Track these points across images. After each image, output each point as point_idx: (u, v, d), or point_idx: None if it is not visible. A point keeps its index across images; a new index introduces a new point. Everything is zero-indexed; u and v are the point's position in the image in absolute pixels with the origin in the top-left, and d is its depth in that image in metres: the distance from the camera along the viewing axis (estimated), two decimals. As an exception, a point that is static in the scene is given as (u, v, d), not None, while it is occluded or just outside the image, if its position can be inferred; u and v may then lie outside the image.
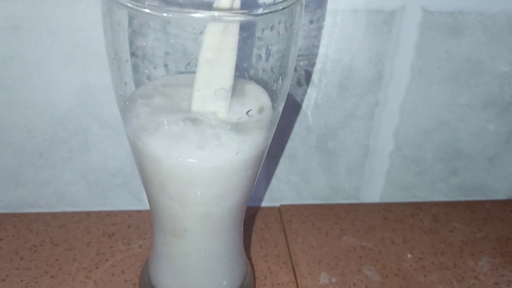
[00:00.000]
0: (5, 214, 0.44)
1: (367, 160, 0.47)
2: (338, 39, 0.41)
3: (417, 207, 0.50)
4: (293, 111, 0.44)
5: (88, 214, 0.45)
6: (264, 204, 0.49)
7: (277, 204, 0.49)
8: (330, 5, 0.39)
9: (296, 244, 0.44)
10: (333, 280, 0.42)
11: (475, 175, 0.50)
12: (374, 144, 0.46)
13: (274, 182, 0.48)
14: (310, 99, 0.43)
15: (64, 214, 0.45)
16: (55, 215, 0.45)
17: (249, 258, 0.43)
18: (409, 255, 0.44)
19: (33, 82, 0.39)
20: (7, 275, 0.39)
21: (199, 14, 0.20)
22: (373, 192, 0.49)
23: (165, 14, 0.20)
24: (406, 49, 0.42)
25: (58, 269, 0.40)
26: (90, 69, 0.39)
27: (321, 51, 0.41)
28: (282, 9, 0.22)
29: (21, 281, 0.39)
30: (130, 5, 0.21)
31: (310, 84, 0.43)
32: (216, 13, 0.21)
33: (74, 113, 0.41)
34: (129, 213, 0.46)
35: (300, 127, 0.45)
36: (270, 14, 0.21)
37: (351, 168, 0.48)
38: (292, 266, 0.42)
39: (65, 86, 0.40)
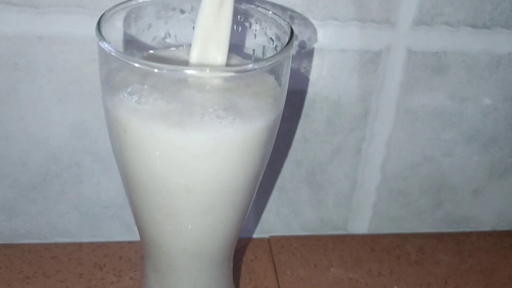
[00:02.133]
0: (-1, 245, 0.45)
1: (355, 193, 0.48)
2: (326, 77, 0.42)
3: (404, 239, 0.51)
4: (283, 145, 0.45)
5: (80, 245, 0.46)
6: (254, 235, 0.50)
7: (267, 236, 0.50)
8: (318, 45, 0.41)
9: (285, 276, 0.45)
10: (321, 312, 0.42)
11: (460, 207, 0.51)
12: (362, 177, 0.48)
13: (264, 214, 0.49)
14: (299, 134, 0.45)
15: (56, 245, 0.46)
16: (47, 246, 0.45)
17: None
18: (395, 287, 0.45)
19: (29, 117, 0.40)
20: (-2, 307, 0.40)
21: (191, 71, 0.22)
22: (361, 223, 0.50)
23: (156, 70, 0.22)
24: (392, 87, 0.43)
25: (50, 301, 0.41)
26: (85, 105, 0.40)
27: (310, 88, 0.42)
28: (270, 64, 0.23)
29: (13, 313, 0.39)
30: (122, 58, 0.23)
31: (299, 120, 0.44)
32: (208, 70, 0.22)
33: (68, 147, 0.42)
34: (121, 244, 0.46)
35: (290, 161, 0.46)
36: (258, 70, 0.23)
37: (339, 201, 0.49)
38: (281, 298, 0.43)
39: (59, 120, 0.41)
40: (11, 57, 0.38)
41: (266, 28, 0.29)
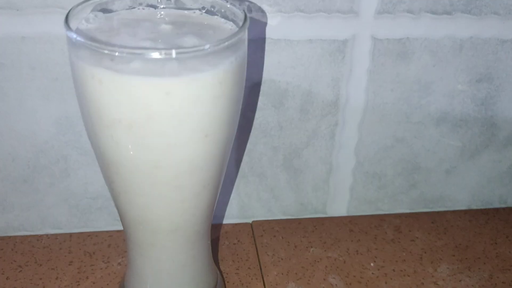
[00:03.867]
0: (-9, 238, 0.47)
1: (331, 176, 0.51)
2: (296, 66, 0.44)
3: (381, 219, 0.53)
4: (259, 133, 0.47)
5: (70, 235, 0.48)
6: (237, 221, 0.52)
7: (249, 221, 0.52)
8: (286, 36, 0.43)
9: (266, 257, 0.47)
10: (300, 289, 0.44)
11: (434, 188, 0.53)
12: (337, 161, 0.50)
13: (245, 200, 0.51)
14: (274, 122, 0.47)
15: (47, 236, 0.48)
16: (39, 237, 0.48)
17: (222, 272, 0.45)
18: (372, 264, 0.48)
19: (15, 114, 0.43)
20: (-7, 295, 0.42)
21: (155, 53, 0.24)
22: (339, 206, 0.53)
23: (117, 54, 0.24)
24: (360, 73, 0.46)
25: (42, 287, 0.43)
26: (69, 101, 0.43)
27: (282, 78, 0.45)
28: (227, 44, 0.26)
29: (7, 299, 0.42)
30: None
31: (273, 108, 0.46)
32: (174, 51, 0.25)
33: (54, 142, 0.44)
34: (109, 233, 0.49)
35: (267, 148, 0.48)
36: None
37: (317, 185, 0.51)
38: (262, 277, 0.45)
39: (45, 116, 0.43)
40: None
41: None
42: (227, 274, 0.45)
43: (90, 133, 0.30)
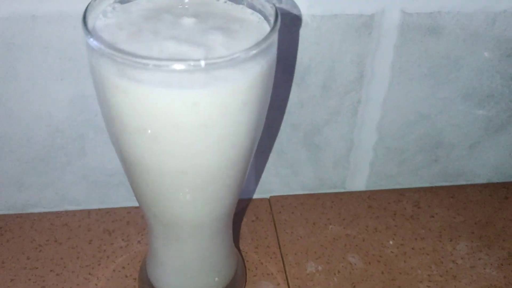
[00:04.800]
0: (10, 215, 0.47)
1: (352, 152, 0.50)
2: (319, 42, 0.42)
3: (401, 194, 0.52)
4: (279, 111, 0.46)
5: (89, 212, 0.48)
6: (255, 196, 0.51)
7: (267, 196, 0.51)
8: (309, 11, 0.40)
9: (285, 235, 0.47)
10: (319, 268, 0.45)
11: (456, 162, 0.52)
12: (358, 138, 0.49)
13: (264, 175, 0.50)
14: (295, 99, 0.45)
15: (66, 213, 0.48)
16: (58, 214, 0.47)
17: (241, 250, 0.45)
18: (391, 242, 0.47)
19: (29, 94, 0.41)
20: (15, 275, 0.42)
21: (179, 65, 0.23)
22: (358, 181, 0.52)
23: (143, 62, 0.23)
24: (386, 49, 0.44)
25: (63, 267, 0.43)
26: (83, 81, 0.41)
27: (304, 54, 0.43)
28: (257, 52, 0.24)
29: (28, 279, 0.42)
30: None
31: (294, 85, 0.44)
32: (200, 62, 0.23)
33: (70, 121, 0.43)
34: (128, 210, 0.48)
35: (286, 125, 0.47)
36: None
37: (337, 161, 0.50)
38: (281, 256, 0.46)
39: (60, 97, 0.42)
40: (7, 37, 0.38)
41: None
42: (246, 253, 0.46)
43: (113, 138, 0.28)
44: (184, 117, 0.25)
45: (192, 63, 0.23)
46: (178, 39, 0.27)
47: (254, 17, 0.29)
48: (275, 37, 0.26)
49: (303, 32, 0.41)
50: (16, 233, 0.46)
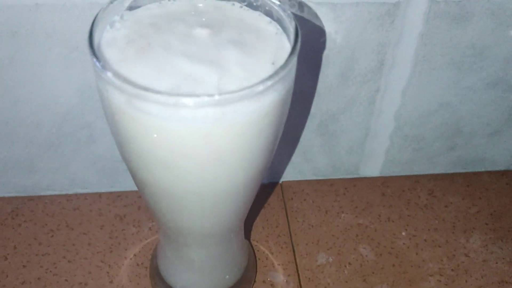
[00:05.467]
0: (21, 198, 0.47)
1: (367, 140, 0.48)
2: (339, 31, 0.40)
3: (415, 181, 0.51)
4: (294, 100, 0.44)
5: (100, 195, 0.48)
6: (266, 181, 0.51)
7: (279, 181, 0.51)
8: (330, 0, 0.38)
9: (296, 224, 0.47)
10: (330, 259, 0.45)
11: (474, 150, 0.51)
12: (375, 126, 0.47)
13: (276, 162, 0.49)
14: (311, 88, 0.43)
15: (77, 196, 0.47)
16: (69, 197, 0.47)
17: (252, 239, 0.45)
18: (403, 233, 0.47)
19: (35, 83, 0.40)
20: (28, 261, 0.43)
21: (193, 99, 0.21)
22: (373, 168, 0.51)
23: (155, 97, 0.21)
24: (410, 38, 0.41)
25: (75, 253, 0.43)
26: (90, 70, 0.39)
27: (322, 44, 0.41)
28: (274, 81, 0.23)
29: (40, 266, 0.42)
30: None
31: (311, 75, 0.43)
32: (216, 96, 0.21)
33: (77, 110, 0.42)
34: (139, 194, 0.48)
35: (302, 112, 0.46)
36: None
37: (351, 148, 0.49)
38: (292, 246, 0.45)
39: (66, 86, 0.40)
40: (10, 25, 0.36)
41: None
42: (257, 242, 0.45)
43: (122, 155, 0.27)
44: (196, 148, 0.24)
45: (205, 98, 0.21)
46: (190, 56, 0.25)
47: (271, 28, 0.27)
48: (294, 60, 0.24)
49: (322, 21, 0.39)
50: (28, 216, 0.46)
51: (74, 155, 0.45)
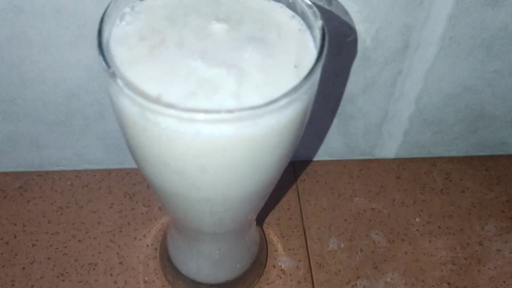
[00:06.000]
0: (30, 173, 0.46)
1: (385, 122, 0.46)
2: (363, 11, 0.38)
3: (432, 164, 0.50)
4: (311, 81, 0.42)
5: (109, 172, 0.47)
6: (279, 160, 0.49)
7: (291, 160, 0.49)
8: (356, -21, 0.35)
9: (308, 206, 0.46)
10: (342, 245, 0.44)
11: (495, 134, 0.49)
12: (393, 108, 0.45)
13: (289, 142, 0.48)
14: (329, 69, 0.41)
15: (86, 172, 0.47)
16: (78, 174, 0.46)
17: (263, 222, 0.45)
18: (417, 219, 0.46)
19: (42, 60, 0.38)
20: (37, 240, 0.42)
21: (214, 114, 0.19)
22: (389, 149, 0.49)
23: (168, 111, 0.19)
24: (438, 20, 0.39)
25: (85, 233, 0.43)
26: (99, 48, 0.37)
27: (345, 24, 0.38)
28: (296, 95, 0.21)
29: (50, 246, 0.42)
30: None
31: (331, 56, 0.40)
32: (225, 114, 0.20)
33: (87, 87, 0.40)
34: (148, 171, 0.47)
35: (318, 94, 0.44)
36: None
37: (368, 130, 0.47)
38: (304, 230, 0.45)
39: (75, 63, 0.39)
40: (14, 0, 0.34)
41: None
42: (268, 224, 0.45)
43: (133, 157, 0.26)
44: (211, 161, 0.22)
45: (223, 115, 0.20)
46: (207, 57, 0.23)
47: (295, 23, 0.25)
48: (320, 67, 0.22)
49: (345, 1, 0.37)
50: (37, 193, 0.45)
51: (83, 132, 0.44)
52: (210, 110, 0.20)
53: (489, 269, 0.43)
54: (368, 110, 0.45)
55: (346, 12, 0.35)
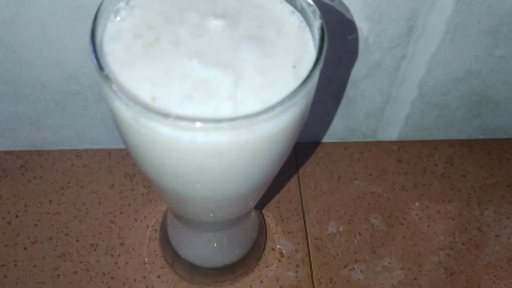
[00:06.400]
0: (30, 153, 0.46)
1: (388, 106, 0.46)
2: (368, -4, 0.37)
3: (434, 147, 0.49)
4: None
5: (109, 152, 0.47)
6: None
7: (293, 142, 0.49)
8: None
9: (308, 190, 0.46)
10: (340, 229, 0.44)
11: (500, 118, 0.48)
12: (396, 92, 0.45)
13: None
14: (332, 54, 0.41)
15: (86, 152, 0.47)
16: (78, 153, 0.46)
17: (263, 206, 0.45)
18: (417, 203, 0.46)
19: (39, 41, 0.38)
20: (39, 220, 0.43)
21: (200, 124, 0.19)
22: (391, 132, 0.49)
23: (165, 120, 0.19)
24: (444, 4, 0.38)
25: (85, 213, 0.43)
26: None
27: (346, 8, 0.37)
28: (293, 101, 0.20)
29: (52, 226, 0.42)
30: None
31: (334, 40, 0.40)
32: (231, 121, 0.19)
33: (85, 69, 0.40)
34: (148, 152, 0.47)
35: (320, 78, 0.43)
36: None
37: (370, 113, 0.47)
38: (303, 213, 0.45)
39: (73, 45, 0.38)
40: (9, -18, 0.34)
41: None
42: (267, 207, 0.45)
43: (132, 157, 0.26)
44: (207, 164, 0.22)
45: (218, 124, 0.19)
46: (203, 57, 0.23)
47: (294, 19, 0.24)
48: (317, 72, 0.22)
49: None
50: (37, 172, 0.45)
51: (83, 113, 0.44)
52: (205, 119, 0.19)
53: (487, 254, 0.44)
54: (371, 94, 0.45)
55: (347, 10, 0.34)
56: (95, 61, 0.21)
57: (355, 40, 0.38)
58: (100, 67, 0.21)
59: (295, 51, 0.23)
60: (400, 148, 0.49)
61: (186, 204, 0.27)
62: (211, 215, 0.29)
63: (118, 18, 0.24)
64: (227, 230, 0.35)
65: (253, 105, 0.21)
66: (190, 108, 0.21)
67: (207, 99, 0.21)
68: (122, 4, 0.24)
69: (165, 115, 0.19)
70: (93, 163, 0.46)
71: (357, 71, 0.42)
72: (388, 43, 0.40)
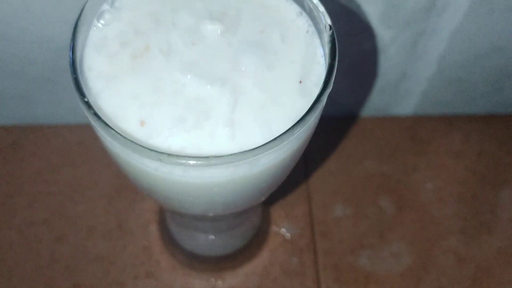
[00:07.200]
0: (22, 127, 0.44)
1: (403, 82, 0.43)
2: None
3: (449, 124, 0.47)
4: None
5: (105, 128, 0.44)
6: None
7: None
8: None
9: (314, 170, 0.44)
10: (347, 212, 0.42)
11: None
12: (413, 69, 0.41)
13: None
14: (343, 29, 0.37)
15: (80, 127, 0.44)
16: (70, 129, 0.44)
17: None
18: (428, 185, 0.44)
19: (24, 17, 0.35)
20: (34, 201, 0.41)
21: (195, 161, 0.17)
22: (406, 107, 0.46)
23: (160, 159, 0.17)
24: (471, -22, 0.34)
25: (82, 195, 0.42)
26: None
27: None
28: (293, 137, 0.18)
29: (47, 207, 0.41)
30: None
31: (345, 15, 0.36)
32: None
33: (74, 45, 0.37)
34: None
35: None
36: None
37: (384, 89, 0.44)
38: (308, 195, 0.43)
39: (59, 21, 0.35)
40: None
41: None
42: (272, 188, 0.43)
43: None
44: (202, 194, 0.20)
45: (213, 160, 0.17)
46: (197, 70, 0.20)
47: (301, 22, 0.21)
48: (326, 95, 0.19)
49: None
50: (31, 150, 0.43)
51: (72, 89, 0.41)
52: (197, 156, 0.17)
53: (498, 239, 0.42)
54: (386, 71, 0.41)
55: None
56: (74, 84, 0.18)
57: (370, 16, 0.35)
58: (81, 93, 0.18)
59: (302, 62, 0.20)
60: (414, 124, 0.46)
61: (184, 212, 0.25)
62: (211, 214, 0.27)
63: (102, 22, 0.20)
64: (228, 221, 0.33)
65: (254, 130, 0.19)
66: (183, 134, 0.18)
67: (202, 121, 0.19)
68: (106, 6, 0.21)
69: (153, 155, 0.17)
70: (87, 139, 0.44)
71: (370, 47, 0.39)
72: (405, 18, 0.37)
